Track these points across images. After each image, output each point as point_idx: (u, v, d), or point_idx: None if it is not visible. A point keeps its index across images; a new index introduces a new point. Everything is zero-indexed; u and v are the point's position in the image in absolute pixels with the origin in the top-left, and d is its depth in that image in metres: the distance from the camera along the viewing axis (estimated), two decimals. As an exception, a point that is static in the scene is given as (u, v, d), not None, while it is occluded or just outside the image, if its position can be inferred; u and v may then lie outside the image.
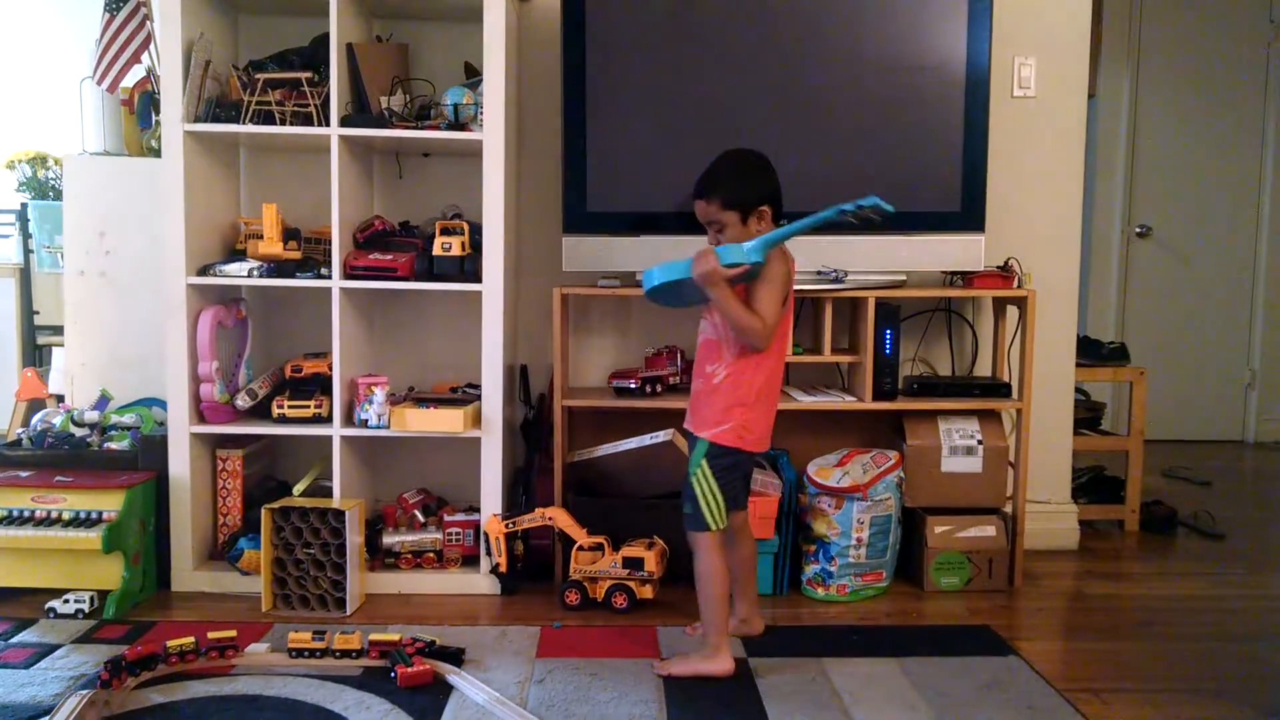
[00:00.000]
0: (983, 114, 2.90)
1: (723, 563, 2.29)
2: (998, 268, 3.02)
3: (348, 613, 2.63)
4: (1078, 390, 3.48)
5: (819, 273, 2.88)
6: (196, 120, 2.75)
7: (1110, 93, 5.28)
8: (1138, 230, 5.39)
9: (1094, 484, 3.73)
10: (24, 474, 2.73)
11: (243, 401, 2.87)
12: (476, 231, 2.82)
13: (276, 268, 2.82)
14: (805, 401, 2.94)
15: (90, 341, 3.11)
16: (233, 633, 2.29)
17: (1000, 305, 3.15)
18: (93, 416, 2.94)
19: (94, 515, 2.62)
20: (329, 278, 2.79)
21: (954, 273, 3.07)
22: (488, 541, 2.77)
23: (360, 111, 2.83)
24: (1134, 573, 3.20)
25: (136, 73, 3.11)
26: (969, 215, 2.92)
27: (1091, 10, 3.26)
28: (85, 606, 2.58)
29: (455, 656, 2.29)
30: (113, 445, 2.86)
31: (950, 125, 2.90)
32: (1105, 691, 2.23)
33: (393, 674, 2.18)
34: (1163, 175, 5.37)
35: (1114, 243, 5.39)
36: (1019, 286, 2.99)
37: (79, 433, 2.90)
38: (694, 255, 2.20)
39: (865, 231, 2.26)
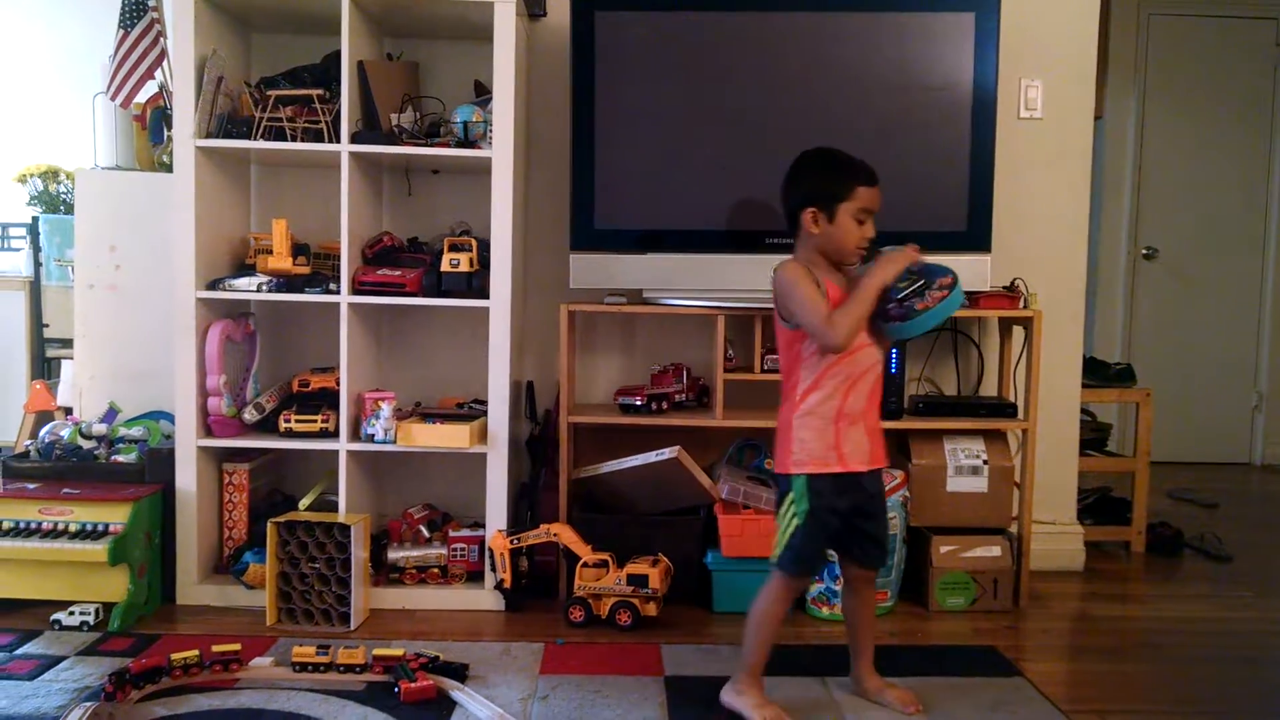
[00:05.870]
0: (989, 135, 2.91)
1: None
2: (1004, 288, 3.03)
3: (352, 627, 2.63)
4: (1084, 411, 3.47)
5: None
6: (208, 136, 2.78)
7: (1117, 114, 5.29)
8: (1144, 252, 5.40)
9: (1100, 505, 3.72)
10: (31, 486, 2.74)
11: (250, 415, 2.88)
12: (484, 248, 2.84)
13: (285, 283, 2.83)
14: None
15: (99, 354, 3.13)
16: (237, 646, 2.29)
17: (1006, 325, 3.16)
18: (100, 429, 2.95)
19: (100, 528, 2.63)
20: (337, 293, 2.80)
21: (960, 292, 3.08)
22: (492, 557, 2.77)
23: (370, 129, 2.85)
24: (1140, 594, 3.19)
25: (149, 88, 3.14)
26: (975, 235, 2.92)
27: (1098, 32, 3.27)
28: (90, 619, 2.58)
29: (459, 672, 2.29)
30: (120, 458, 2.87)
31: (957, 146, 2.91)
32: (1111, 713, 2.22)
33: (396, 689, 2.18)
34: (1169, 197, 5.38)
35: (1120, 264, 5.40)
36: (1025, 307, 2.99)
37: (86, 445, 2.91)
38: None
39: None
